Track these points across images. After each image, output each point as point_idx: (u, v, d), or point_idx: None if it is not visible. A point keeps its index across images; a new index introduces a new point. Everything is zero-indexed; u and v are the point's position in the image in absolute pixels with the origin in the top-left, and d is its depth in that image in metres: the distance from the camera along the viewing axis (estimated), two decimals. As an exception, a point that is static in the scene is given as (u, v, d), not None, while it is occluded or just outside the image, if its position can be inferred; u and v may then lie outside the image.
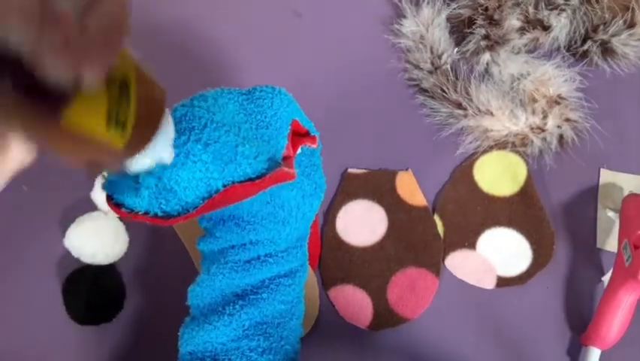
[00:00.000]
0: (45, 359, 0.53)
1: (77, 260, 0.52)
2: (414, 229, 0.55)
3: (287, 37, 0.63)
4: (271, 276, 0.43)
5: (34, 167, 0.55)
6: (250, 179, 0.39)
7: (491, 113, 0.55)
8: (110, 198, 0.39)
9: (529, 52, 0.59)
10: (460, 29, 0.60)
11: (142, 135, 0.29)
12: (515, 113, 0.55)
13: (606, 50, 0.57)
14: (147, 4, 0.64)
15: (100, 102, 0.25)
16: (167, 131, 0.33)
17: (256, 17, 0.64)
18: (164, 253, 0.55)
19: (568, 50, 0.60)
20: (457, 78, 0.58)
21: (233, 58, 0.62)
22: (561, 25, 0.58)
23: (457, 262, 0.54)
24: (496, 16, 0.57)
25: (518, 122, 0.55)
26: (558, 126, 0.55)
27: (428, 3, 0.60)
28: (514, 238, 0.54)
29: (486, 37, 0.57)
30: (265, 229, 0.42)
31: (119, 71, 0.26)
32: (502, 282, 0.53)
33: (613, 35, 0.57)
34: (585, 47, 0.58)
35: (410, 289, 0.53)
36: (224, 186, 0.38)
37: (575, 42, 0.59)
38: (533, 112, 0.55)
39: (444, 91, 0.57)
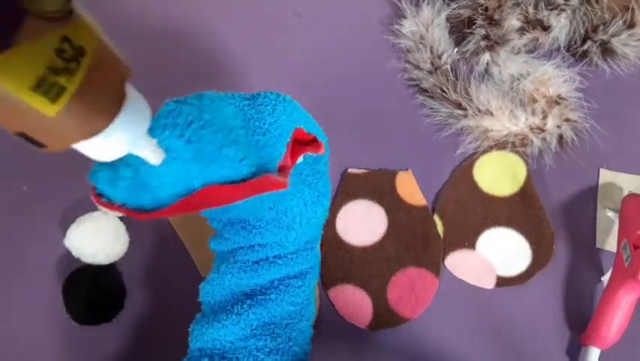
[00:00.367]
0: (45, 359, 0.53)
1: (78, 260, 0.52)
2: (414, 229, 0.55)
3: (287, 37, 0.63)
4: (280, 277, 0.43)
5: (34, 167, 0.55)
6: (233, 183, 0.38)
7: (491, 114, 0.55)
8: (94, 188, 0.38)
9: (529, 52, 0.59)
10: (459, 29, 0.60)
11: (91, 112, 0.27)
12: (515, 114, 0.55)
13: (606, 50, 0.58)
14: (148, 5, 0.64)
15: (35, 63, 0.24)
16: (136, 117, 0.30)
17: (256, 17, 0.64)
18: (165, 253, 0.55)
19: (568, 50, 0.60)
20: (456, 78, 0.58)
21: (233, 58, 0.62)
22: (561, 26, 0.58)
23: (457, 262, 0.54)
24: (496, 17, 0.57)
25: (518, 123, 0.55)
26: (558, 126, 0.55)
27: (428, 3, 0.60)
28: (513, 237, 0.54)
29: (486, 37, 0.57)
30: (271, 233, 0.42)
31: (75, 39, 0.25)
32: (502, 282, 0.53)
33: (613, 35, 0.57)
34: (585, 47, 0.58)
35: (410, 289, 0.53)
36: (204, 186, 0.37)
37: (575, 42, 0.59)
38: (533, 112, 0.55)
39: (444, 91, 0.57)
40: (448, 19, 0.60)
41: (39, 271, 0.55)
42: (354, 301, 0.53)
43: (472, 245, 0.54)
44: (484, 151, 0.56)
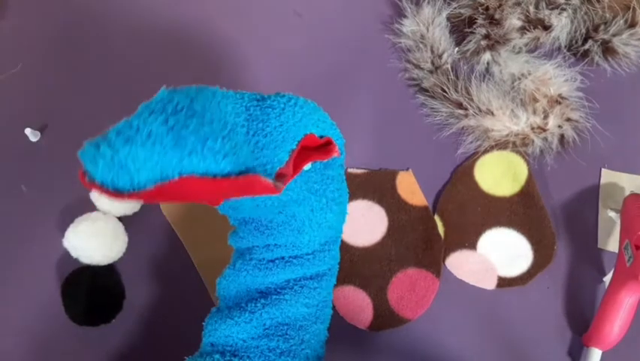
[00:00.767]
0: (44, 359, 0.52)
1: (76, 261, 0.52)
2: (414, 229, 0.54)
3: (287, 37, 0.63)
4: (296, 277, 0.43)
5: (34, 167, 0.55)
6: (215, 177, 0.37)
7: (492, 113, 0.55)
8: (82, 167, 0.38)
9: (530, 51, 0.59)
10: (460, 29, 0.59)
11: None
12: (516, 113, 0.55)
13: (607, 49, 0.57)
14: (151, 5, 0.64)
15: None
16: None
17: (256, 17, 0.64)
18: (164, 253, 0.55)
19: (569, 50, 0.59)
20: (457, 78, 0.58)
21: (234, 58, 0.62)
22: (562, 25, 0.58)
23: (458, 263, 0.54)
24: (496, 16, 0.57)
25: (519, 122, 0.55)
26: (559, 126, 0.55)
27: (428, 2, 0.60)
28: (515, 238, 0.54)
29: (486, 36, 0.57)
30: (282, 235, 0.42)
31: None
32: (503, 282, 0.53)
33: (614, 35, 0.57)
34: (586, 47, 0.58)
35: (410, 290, 0.53)
36: (181, 176, 0.36)
37: (576, 42, 0.59)
38: (534, 112, 0.55)
39: (444, 91, 0.57)
40: (448, 18, 0.60)
41: (38, 272, 0.54)
42: (355, 302, 0.53)
43: (472, 245, 0.54)
44: (485, 151, 0.56)
